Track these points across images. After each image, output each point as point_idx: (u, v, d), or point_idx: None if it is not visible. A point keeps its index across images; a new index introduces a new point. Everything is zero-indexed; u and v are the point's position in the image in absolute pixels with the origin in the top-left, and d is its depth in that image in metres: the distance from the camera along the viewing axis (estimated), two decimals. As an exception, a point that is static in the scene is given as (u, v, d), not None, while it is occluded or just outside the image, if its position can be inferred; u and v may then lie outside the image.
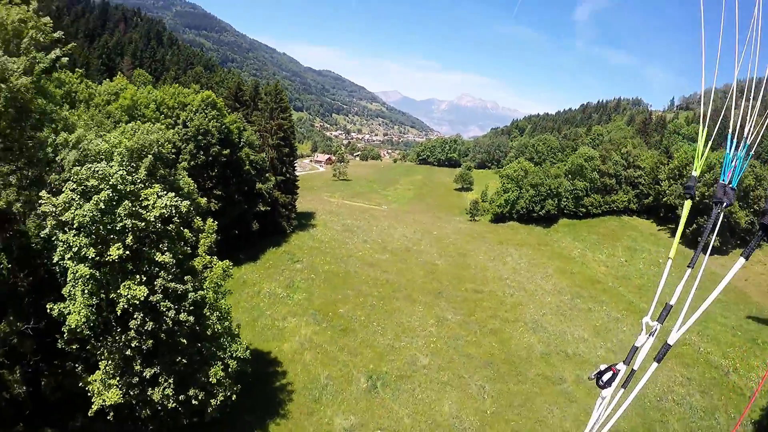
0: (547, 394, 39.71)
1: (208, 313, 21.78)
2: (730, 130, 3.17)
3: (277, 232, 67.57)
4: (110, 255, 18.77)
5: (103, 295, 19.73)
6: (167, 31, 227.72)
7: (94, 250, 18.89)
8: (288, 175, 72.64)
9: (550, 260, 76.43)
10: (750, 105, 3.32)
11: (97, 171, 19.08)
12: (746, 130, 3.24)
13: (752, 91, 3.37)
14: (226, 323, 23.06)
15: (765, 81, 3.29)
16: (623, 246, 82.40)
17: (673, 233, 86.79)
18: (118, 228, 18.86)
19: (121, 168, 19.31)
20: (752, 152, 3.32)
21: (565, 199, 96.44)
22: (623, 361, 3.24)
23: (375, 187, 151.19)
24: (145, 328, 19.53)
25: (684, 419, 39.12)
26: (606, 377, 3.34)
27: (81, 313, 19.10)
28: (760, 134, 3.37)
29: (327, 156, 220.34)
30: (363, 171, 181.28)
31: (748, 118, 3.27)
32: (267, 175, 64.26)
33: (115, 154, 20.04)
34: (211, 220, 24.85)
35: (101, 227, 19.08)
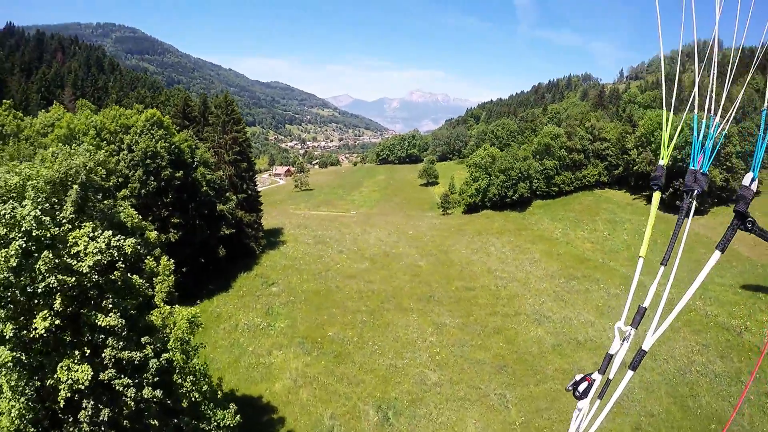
0: (570, 390, 36.24)
1: (180, 380, 16.63)
2: (695, 117, 2.95)
3: (247, 254, 61.72)
4: (36, 329, 13.61)
5: (38, 383, 14.48)
6: (108, 56, 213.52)
7: (12, 325, 13.69)
8: (250, 192, 66.82)
9: (533, 244, 73.62)
10: (715, 82, 2.90)
11: (4, 215, 13.88)
12: (712, 108, 2.90)
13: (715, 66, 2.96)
14: (205, 387, 17.86)
15: (734, 54, 2.86)
16: (603, 219, 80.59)
17: (648, 200, 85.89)
18: (40, 290, 13.68)
19: (36, 206, 14.12)
20: (724, 133, 3.00)
21: (536, 181, 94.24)
22: (598, 371, 2.90)
23: (339, 193, 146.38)
24: (100, 417, 14.37)
25: (713, 389, 36.85)
26: (582, 388, 2.92)
27: (13, 412, 13.75)
28: (731, 117, 3.08)
29: (286, 168, 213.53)
30: (324, 178, 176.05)
31: (712, 95, 2.88)
32: (227, 194, 58.51)
33: (28, 188, 14.82)
34: (166, 258, 19.54)
35: (18, 292, 13.87)
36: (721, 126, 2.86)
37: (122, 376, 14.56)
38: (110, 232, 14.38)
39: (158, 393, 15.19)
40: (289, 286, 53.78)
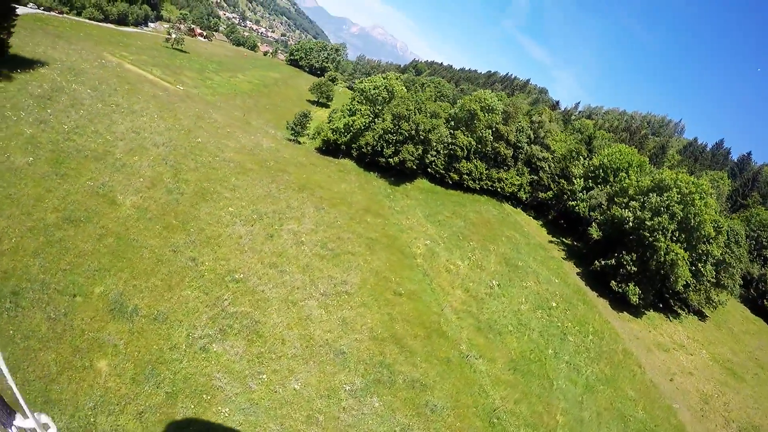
0: None
1: None
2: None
3: None
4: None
5: None
6: None
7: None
8: None
9: (370, 249, 37.70)
10: None
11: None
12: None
13: None
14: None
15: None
16: (498, 253, 46.83)
17: (570, 250, 54.01)
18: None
19: None
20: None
21: (434, 152, 58.56)
22: None
23: (207, 66, 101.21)
24: None
25: None
26: None
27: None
28: None
29: (192, 27, 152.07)
30: (214, 50, 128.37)
31: None
32: None
33: None
34: None
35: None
36: None
37: None
38: None
39: None
40: None
